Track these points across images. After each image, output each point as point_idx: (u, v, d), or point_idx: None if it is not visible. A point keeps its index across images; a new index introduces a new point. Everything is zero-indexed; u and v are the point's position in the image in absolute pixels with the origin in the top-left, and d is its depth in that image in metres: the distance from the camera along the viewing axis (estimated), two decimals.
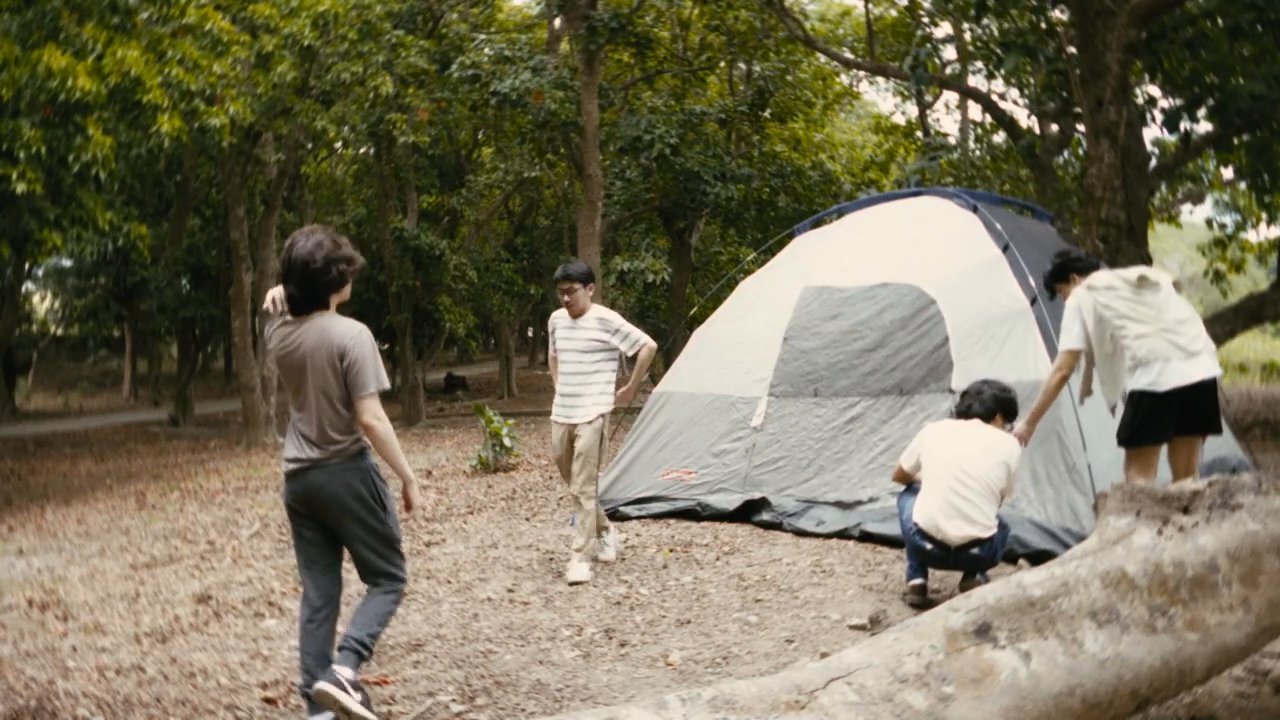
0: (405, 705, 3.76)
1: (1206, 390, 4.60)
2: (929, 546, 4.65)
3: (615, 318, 5.74)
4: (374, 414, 3.43)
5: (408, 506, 3.65)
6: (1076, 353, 4.79)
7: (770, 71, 17.29)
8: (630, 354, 5.67)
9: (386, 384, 3.48)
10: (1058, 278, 5.17)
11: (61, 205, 10.34)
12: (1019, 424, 4.96)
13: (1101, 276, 4.82)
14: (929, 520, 4.64)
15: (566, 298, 5.68)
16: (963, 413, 4.93)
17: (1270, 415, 13.29)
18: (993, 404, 4.87)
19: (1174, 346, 4.57)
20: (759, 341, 7.11)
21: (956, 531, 4.58)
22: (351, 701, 3.30)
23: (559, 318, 5.80)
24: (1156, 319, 4.61)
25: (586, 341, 5.67)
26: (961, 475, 4.63)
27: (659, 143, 15.11)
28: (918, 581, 4.78)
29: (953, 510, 4.60)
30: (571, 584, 5.39)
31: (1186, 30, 10.18)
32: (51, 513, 9.20)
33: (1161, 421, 4.62)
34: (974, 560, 4.67)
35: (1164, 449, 4.76)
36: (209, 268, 20.21)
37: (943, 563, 4.73)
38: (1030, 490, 5.61)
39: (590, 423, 5.65)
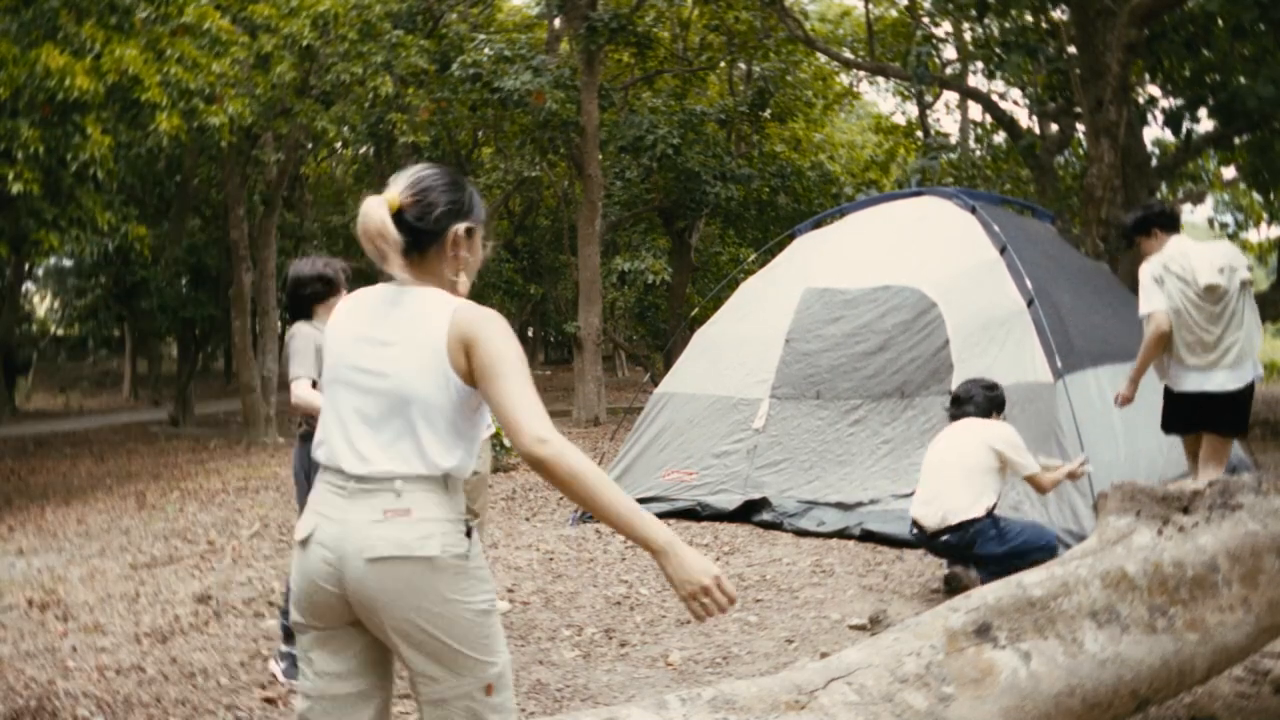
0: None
1: (1223, 399, 4.73)
2: (914, 533, 4.90)
3: None
4: (294, 394, 3.97)
5: None
6: (1163, 312, 4.78)
7: (770, 71, 17.30)
8: None
9: (301, 373, 3.94)
10: (1140, 230, 5.07)
11: (60, 205, 10.32)
12: (1121, 387, 5.02)
13: (1179, 261, 4.85)
14: (914, 509, 4.88)
15: None
16: (955, 417, 5.00)
17: (1270, 415, 13.28)
18: (986, 404, 4.95)
19: (1205, 353, 4.71)
20: (761, 343, 7.11)
21: (930, 519, 4.75)
22: None
23: None
24: (1205, 326, 4.75)
25: None
26: (939, 465, 4.81)
27: (661, 143, 15.11)
28: (946, 571, 4.95)
29: (930, 497, 4.78)
30: None
31: (1187, 30, 10.18)
32: (51, 513, 9.20)
33: (1178, 416, 4.80)
34: (949, 547, 4.76)
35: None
36: (209, 268, 20.21)
37: (929, 549, 4.97)
38: (1031, 490, 5.60)
39: None
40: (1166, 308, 4.78)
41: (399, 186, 2.11)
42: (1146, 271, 4.87)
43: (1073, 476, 4.87)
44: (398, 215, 2.07)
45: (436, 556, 1.99)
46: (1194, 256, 4.83)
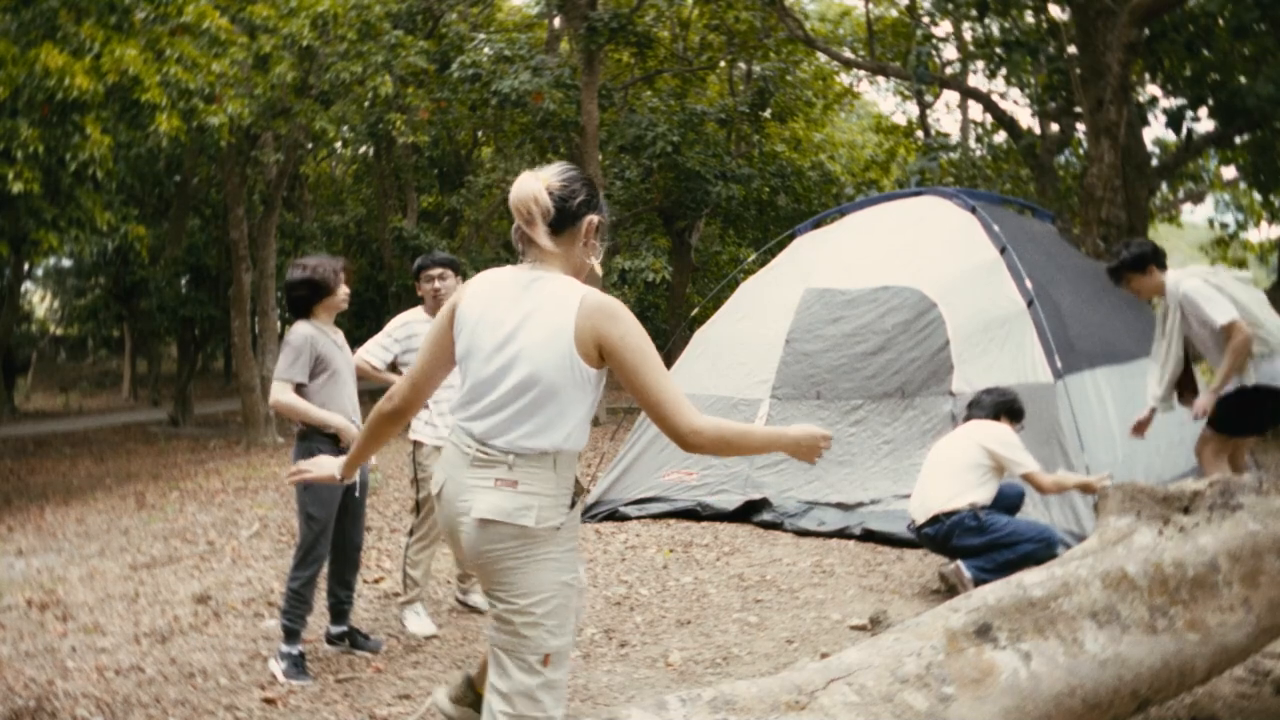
0: (405, 705, 3.76)
1: None
2: (909, 527, 5.08)
3: None
4: (273, 396, 4.11)
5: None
6: (1241, 318, 4.71)
7: (770, 71, 17.30)
8: None
9: (284, 376, 4.07)
10: (1137, 267, 4.97)
11: (59, 205, 10.32)
12: (1202, 397, 4.86)
13: (1209, 272, 4.92)
14: (909, 505, 5.07)
15: (438, 287, 4.84)
16: (965, 419, 5.13)
17: None
18: (993, 408, 5.02)
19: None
20: (761, 343, 7.10)
21: (917, 511, 4.94)
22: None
23: (415, 321, 4.88)
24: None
25: None
26: (933, 462, 4.98)
27: (660, 141, 15.11)
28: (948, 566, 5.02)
29: (920, 491, 4.96)
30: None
31: (1187, 30, 10.19)
32: (51, 513, 9.19)
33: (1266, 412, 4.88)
34: (930, 538, 4.90)
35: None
36: (209, 268, 20.21)
37: (919, 541, 5.12)
38: (1031, 491, 5.60)
39: None
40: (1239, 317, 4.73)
41: (550, 172, 2.37)
42: (1198, 287, 4.79)
43: (1088, 489, 4.86)
44: (552, 195, 2.32)
45: (530, 526, 2.25)
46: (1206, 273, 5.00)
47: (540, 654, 2.28)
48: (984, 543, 4.75)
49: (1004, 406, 5.02)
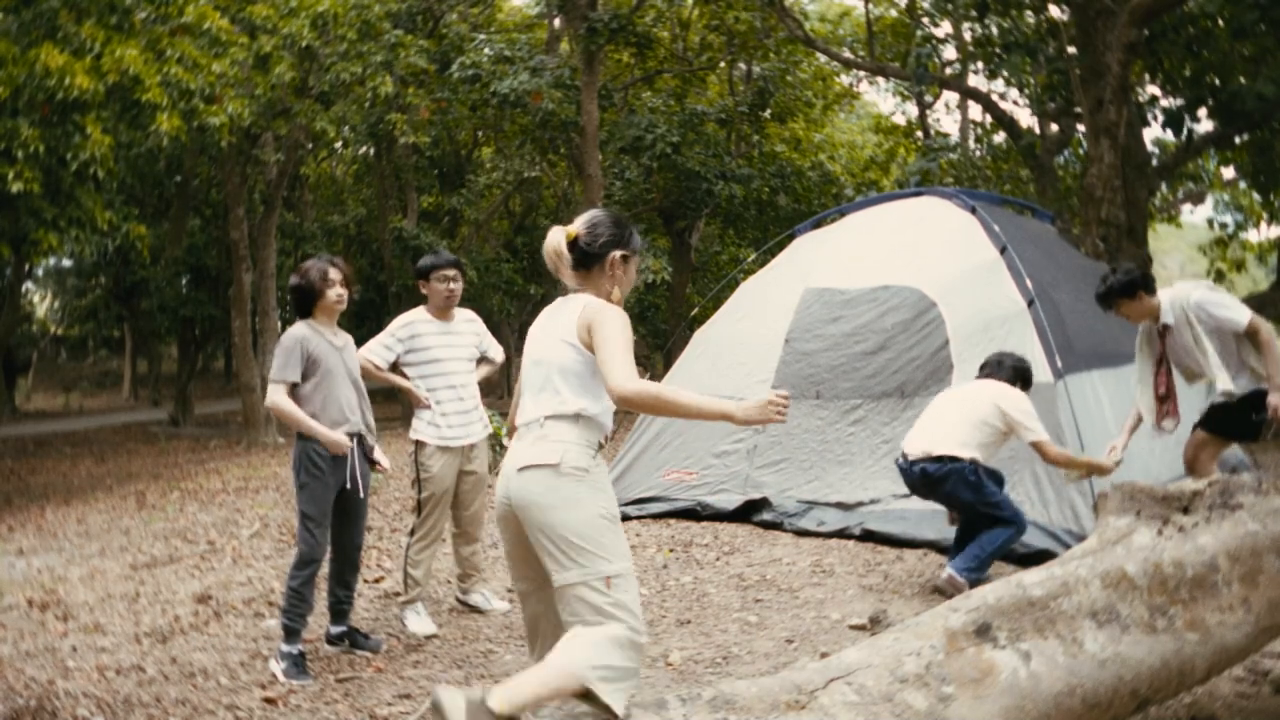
0: (405, 705, 3.76)
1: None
2: (899, 461, 5.00)
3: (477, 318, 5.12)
4: (269, 398, 4.16)
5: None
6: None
7: (770, 71, 17.29)
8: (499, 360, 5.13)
9: (277, 378, 4.12)
10: (1127, 293, 4.84)
11: (60, 205, 10.32)
12: (1273, 395, 4.60)
13: (1199, 283, 4.98)
14: (905, 440, 5.01)
15: (453, 289, 4.84)
16: (981, 377, 5.12)
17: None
18: (1012, 373, 5.04)
19: None
20: (760, 343, 7.10)
21: (913, 446, 4.89)
22: None
23: (419, 321, 4.86)
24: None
25: (470, 348, 4.94)
26: (943, 404, 4.98)
27: (660, 142, 15.10)
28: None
29: (923, 428, 4.93)
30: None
31: (1187, 30, 10.19)
32: (51, 513, 9.20)
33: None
34: (924, 475, 4.83)
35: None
36: (209, 268, 20.22)
37: (906, 480, 5.00)
38: (1031, 491, 5.61)
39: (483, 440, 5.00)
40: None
41: (578, 222, 2.92)
42: (1209, 294, 4.80)
43: (1098, 470, 4.88)
44: (573, 241, 2.88)
45: (558, 464, 2.71)
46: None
47: (601, 578, 2.64)
48: (972, 500, 4.77)
49: (1021, 373, 5.05)
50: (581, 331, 2.77)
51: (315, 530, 4.16)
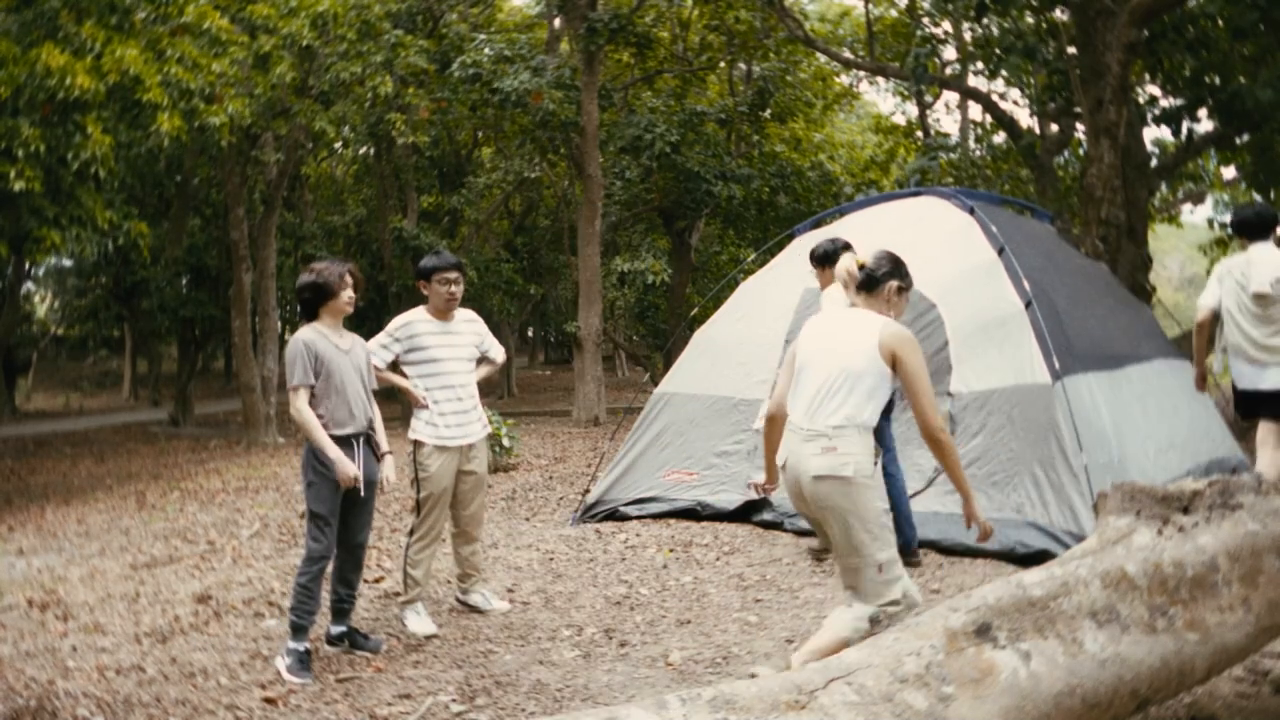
0: (405, 705, 3.76)
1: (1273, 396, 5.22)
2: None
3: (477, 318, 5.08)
4: (291, 406, 4.19)
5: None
6: (1205, 309, 5.23)
7: (770, 71, 17.29)
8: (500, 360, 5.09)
9: (296, 383, 4.17)
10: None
11: (60, 204, 10.33)
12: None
13: (1241, 268, 5.24)
14: None
15: (454, 291, 4.81)
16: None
17: None
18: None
19: (1258, 353, 5.18)
20: (760, 343, 7.10)
21: None
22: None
23: (418, 321, 4.84)
24: (1253, 328, 5.18)
25: (470, 348, 4.92)
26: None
27: (660, 141, 15.10)
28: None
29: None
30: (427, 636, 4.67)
31: (1187, 30, 10.18)
32: (51, 513, 9.20)
33: (1242, 406, 5.38)
34: None
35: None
36: (209, 268, 20.22)
37: None
38: (1031, 492, 5.60)
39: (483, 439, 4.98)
40: (1213, 305, 5.22)
41: (870, 255, 3.56)
42: (1214, 271, 5.33)
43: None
44: (861, 267, 3.52)
45: (851, 477, 3.29)
46: (1256, 264, 5.19)
47: (876, 564, 3.28)
48: None
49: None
50: (884, 350, 3.32)
51: (323, 528, 4.19)
